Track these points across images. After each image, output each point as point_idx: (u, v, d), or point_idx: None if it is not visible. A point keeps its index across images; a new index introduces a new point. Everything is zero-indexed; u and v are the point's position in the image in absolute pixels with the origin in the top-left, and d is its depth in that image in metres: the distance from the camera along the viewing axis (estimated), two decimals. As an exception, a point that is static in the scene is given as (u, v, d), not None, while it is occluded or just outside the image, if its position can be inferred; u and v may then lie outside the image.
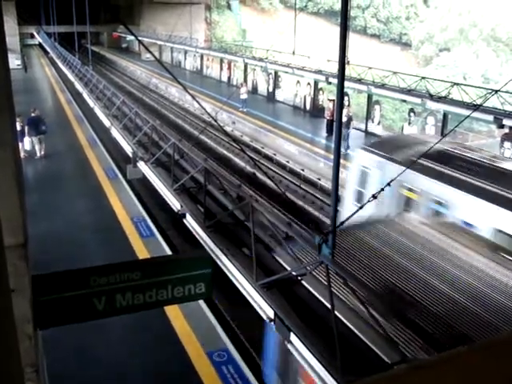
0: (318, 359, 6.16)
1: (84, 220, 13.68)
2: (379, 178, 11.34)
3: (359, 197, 12.30)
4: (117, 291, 4.83)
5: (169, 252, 11.56)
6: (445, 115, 23.08)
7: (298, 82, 34.83)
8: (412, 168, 9.34)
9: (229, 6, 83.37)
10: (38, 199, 14.93)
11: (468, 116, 11.11)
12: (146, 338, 8.66)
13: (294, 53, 32.56)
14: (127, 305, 4.90)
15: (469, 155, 11.33)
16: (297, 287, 8.02)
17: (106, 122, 20.94)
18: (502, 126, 19.89)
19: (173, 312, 9.00)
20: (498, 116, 19.68)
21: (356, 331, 7.38)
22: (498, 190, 9.56)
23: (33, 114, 19.58)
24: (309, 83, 33.16)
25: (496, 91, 14.65)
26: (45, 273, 4.65)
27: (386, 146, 13.23)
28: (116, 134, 19.03)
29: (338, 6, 73.19)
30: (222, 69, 46.10)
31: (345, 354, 6.04)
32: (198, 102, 7.86)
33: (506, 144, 21.18)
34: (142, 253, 11.42)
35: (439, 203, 10.13)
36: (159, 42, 56.77)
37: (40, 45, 71.82)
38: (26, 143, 19.15)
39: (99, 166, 17.89)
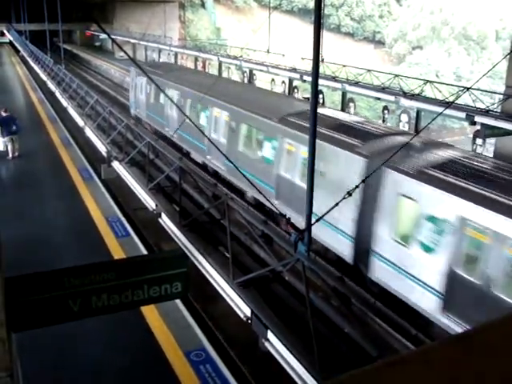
0: (295, 356, 6.19)
1: (58, 221, 13.51)
2: (135, 80, 26.70)
3: (134, 93, 27.29)
4: (92, 292, 4.78)
5: (145, 252, 11.48)
6: (418, 112, 23.35)
7: (273, 80, 34.91)
8: (152, 73, 20.88)
9: (203, 5, 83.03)
10: (10, 200, 14.70)
11: (441, 113, 11.31)
12: (122, 339, 8.60)
13: (268, 51, 32.63)
14: (103, 306, 4.85)
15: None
16: (274, 285, 8.04)
17: (80, 122, 20.72)
18: (473, 123, 20.19)
19: (149, 312, 8.95)
20: (470, 113, 19.97)
21: (334, 327, 7.43)
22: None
23: (4, 114, 19.25)
24: (283, 81, 33.27)
25: (468, 89, 14.87)
26: (18, 274, 4.58)
27: (145, 66, 27.97)
28: (90, 133, 18.84)
29: (311, 5, 73.44)
30: (196, 67, 45.94)
31: (322, 350, 6.08)
32: (172, 100, 7.83)
33: (478, 140, 21.52)
34: (117, 253, 11.32)
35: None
36: (133, 41, 56.28)
37: (11, 43, 70.63)
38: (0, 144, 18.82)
39: (73, 166, 17.66)
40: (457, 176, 9.61)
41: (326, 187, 11.43)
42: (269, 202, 8.51)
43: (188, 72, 27.92)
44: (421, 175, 9.93)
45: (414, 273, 9.77)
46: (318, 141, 7.47)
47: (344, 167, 11.59)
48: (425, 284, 9.56)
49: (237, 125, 16.64)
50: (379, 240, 10.66)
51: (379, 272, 10.61)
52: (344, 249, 11.56)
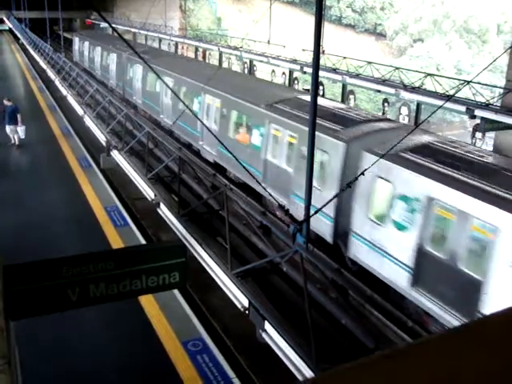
0: (292, 347, 6.21)
1: (57, 210, 13.51)
2: (80, 45, 40.65)
3: (73, 47, 43.39)
4: (90, 281, 4.79)
5: (143, 241, 11.48)
6: (418, 105, 23.30)
7: (273, 71, 34.78)
8: (100, 41, 36.34)
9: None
10: (8, 189, 14.70)
11: (441, 106, 11.30)
12: (120, 329, 8.62)
13: (269, 42, 32.51)
14: (101, 295, 4.86)
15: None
16: (272, 276, 8.06)
17: (79, 111, 20.67)
18: (473, 117, 20.15)
19: (147, 302, 8.97)
20: (470, 107, 19.93)
21: (331, 319, 7.45)
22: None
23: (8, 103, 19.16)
24: (284, 72, 33.15)
25: (468, 82, 14.82)
26: (17, 263, 4.59)
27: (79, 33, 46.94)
28: (89, 122, 18.80)
29: (313, -4, 72.86)
30: (196, 57, 45.78)
31: (319, 342, 6.10)
32: (171, 89, 7.81)
33: (478, 134, 21.49)
34: (116, 242, 11.33)
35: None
36: (133, 30, 55.99)
37: (10, 30, 70.32)
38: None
39: (72, 156, 17.64)
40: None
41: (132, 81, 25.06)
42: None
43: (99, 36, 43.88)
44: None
45: None
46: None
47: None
48: None
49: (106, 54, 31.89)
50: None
51: None
52: None
